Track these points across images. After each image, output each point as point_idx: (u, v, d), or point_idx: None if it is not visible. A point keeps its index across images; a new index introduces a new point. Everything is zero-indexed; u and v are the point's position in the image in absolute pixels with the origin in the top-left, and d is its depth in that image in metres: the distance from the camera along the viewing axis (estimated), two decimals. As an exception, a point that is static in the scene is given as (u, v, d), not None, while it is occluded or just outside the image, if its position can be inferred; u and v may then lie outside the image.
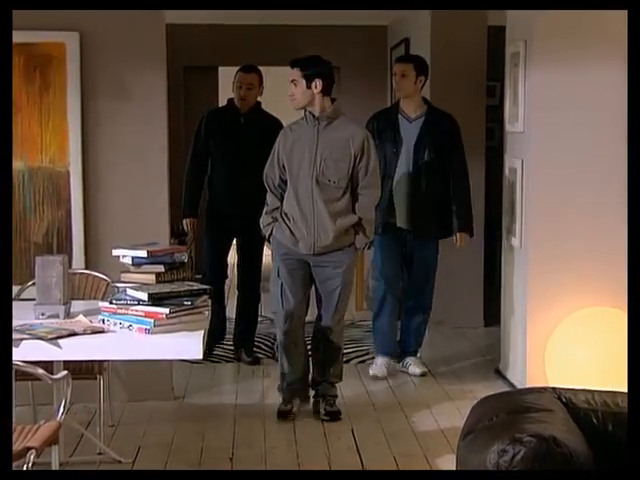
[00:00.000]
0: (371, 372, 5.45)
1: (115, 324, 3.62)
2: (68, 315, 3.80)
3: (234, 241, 5.87)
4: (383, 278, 5.41)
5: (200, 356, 3.50)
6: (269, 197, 4.72)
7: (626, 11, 4.64)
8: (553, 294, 4.92)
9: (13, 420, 3.05)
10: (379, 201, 4.90)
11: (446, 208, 5.33)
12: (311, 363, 4.84)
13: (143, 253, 3.84)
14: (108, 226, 4.93)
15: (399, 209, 5.27)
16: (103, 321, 3.66)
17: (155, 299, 3.60)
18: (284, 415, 4.71)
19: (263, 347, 6.15)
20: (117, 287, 3.84)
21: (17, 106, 4.74)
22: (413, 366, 5.48)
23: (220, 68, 8.98)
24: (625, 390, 2.95)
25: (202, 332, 3.57)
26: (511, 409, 2.73)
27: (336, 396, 4.81)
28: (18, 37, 3.97)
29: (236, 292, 6.06)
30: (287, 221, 4.63)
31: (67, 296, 3.84)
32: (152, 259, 3.84)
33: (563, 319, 4.82)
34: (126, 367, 4.88)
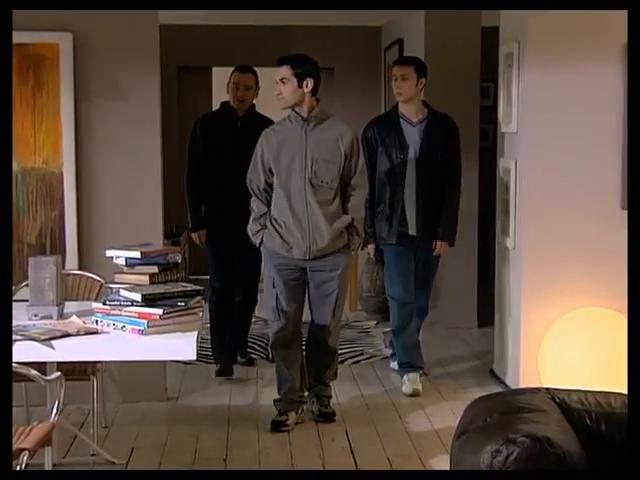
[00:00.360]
0: (408, 390, 5.14)
1: (108, 325, 3.61)
2: (61, 316, 3.80)
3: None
4: (398, 298, 5.23)
5: (194, 357, 3.50)
6: (255, 203, 4.60)
7: (620, 11, 4.67)
8: (547, 295, 4.92)
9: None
10: (391, 210, 4.88)
11: (448, 210, 5.23)
12: (305, 366, 4.79)
13: (137, 254, 3.84)
14: (102, 227, 4.92)
15: (410, 217, 5.12)
16: (96, 322, 3.65)
17: (149, 300, 3.60)
18: (278, 426, 4.59)
19: (257, 348, 6.14)
20: (110, 288, 3.83)
21: (10, 106, 4.73)
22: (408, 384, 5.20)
23: (214, 69, 8.98)
24: (618, 390, 2.96)
25: (196, 333, 3.57)
26: (505, 409, 2.73)
27: (330, 397, 4.79)
28: (11, 37, 3.95)
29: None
30: (277, 227, 4.51)
31: (60, 297, 3.84)
32: (146, 260, 3.84)
33: (557, 320, 4.83)
34: (119, 368, 4.87)
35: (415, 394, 5.12)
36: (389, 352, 5.70)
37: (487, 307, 6.08)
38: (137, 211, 4.95)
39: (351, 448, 4.39)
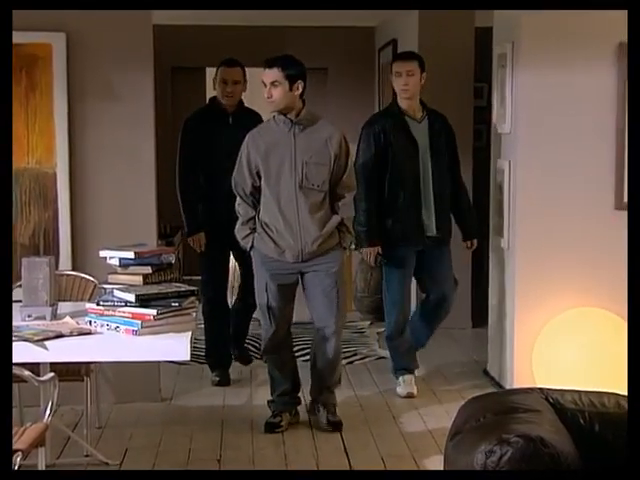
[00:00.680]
0: (402, 392, 5.13)
1: (102, 326, 3.61)
2: (55, 317, 3.79)
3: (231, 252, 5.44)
4: (398, 301, 5.12)
5: (187, 357, 3.50)
6: (241, 207, 4.52)
7: (614, 11, 4.68)
8: (541, 295, 4.93)
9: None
10: (412, 212, 4.85)
11: (462, 209, 5.23)
12: (310, 371, 4.70)
13: (130, 254, 3.83)
14: (95, 227, 4.92)
15: (426, 216, 5.00)
16: (90, 323, 3.64)
17: (142, 300, 3.59)
18: (272, 427, 4.57)
19: (251, 348, 6.13)
20: (104, 288, 3.83)
21: (3, 107, 4.72)
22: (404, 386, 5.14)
23: (208, 69, 8.97)
24: (612, 390, 2.96)
25: (189, 333, 3.56)
26: (499, 410, 2.73)
27: (336, 404, 4.68)
28: (4, 37, 3.94)
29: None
30: (269, 232, 4.45)
31: (54, 298, 3.83)
32: (139, 260, 3.83)
33: (550, 320, 4.83)
34: (113, 369, 4.87)
35: (410, 396, 5.11)
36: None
37: (481, 307, 6.09)
38: (131, 211, 4.94)
39: (345, 449, 4.39)
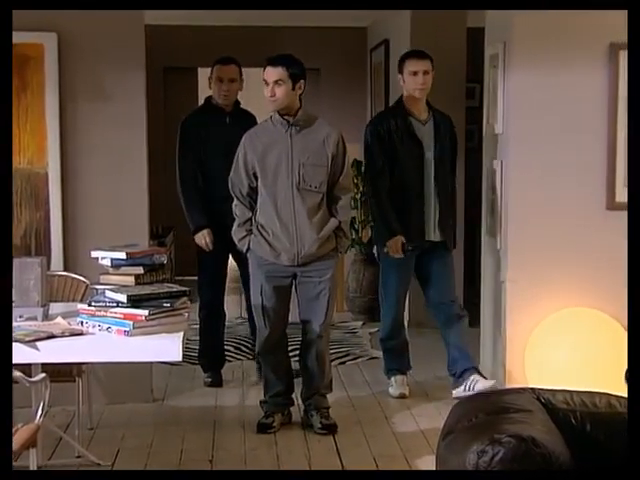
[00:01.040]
0: (394, 392, 5.12)
1: (94, 326, 3.60)
2: (46, 317, 3.78)
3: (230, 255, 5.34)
4: (394, 304, 5.08)
5: (179, 358, 3.49)
6: (238, 208, 4.50)
7: (606, 11, 4.70)
8: (533, 295, 4.93)
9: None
10: (414, 215, 4.80)
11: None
12: (301, 376, 4.72)
13: (122, 255, 3.83)
14: (87, 227, 4.91)
15: (428, 219, 4.94)
16: (82, 323, 3.64)
17: (134, 301, 3.59)
18: (264, 428, 4.56)
19: (243, 349, 6.14)
20: (96, 289, 3.82)
21: (-5, 107, 4.71)
22: (481, 382, 4.88)
23: (200, 69, 8.96)
24: (603, 390, 2.97)
25: (182, 334, 3.56)
26: (490, 410, 2.73)
27: (329, 407, 4.67)
28: (-5, 37, 3.93)
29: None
30: (265, 234, 4.44)
31: (45, 298, 3.82)
32: (131, 261, 3.83)
33: (542, 320, 4.84)
34: (105, 369, 4.86)
35: (402, 397, 5.11)
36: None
37: (473, 308, 6.09)
38: (123, 212, 4.93)
39: (337, 449, 4.39)
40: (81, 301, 4.05)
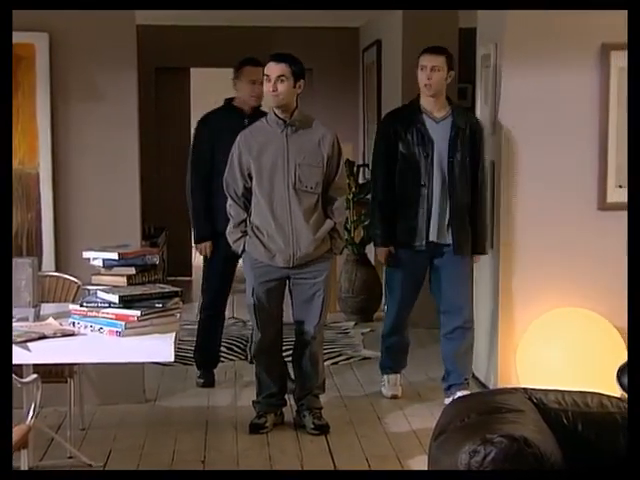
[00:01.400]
0: (387, 393, 5.09)
1: (86, 327, 3.59)
2: (38, 318, 3.77)
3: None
4: (396, 302, 4.96)
5: (172, 358, 3.48)
6: (233, 208, 4.46)
7: (599, 12, 4.71)
8: (524, 295, 4.94)
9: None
10: (416, 213, 4.68)
11: (476, 220, 4.85)
12: (293, 376, 4.72)
13: (114, 255, 3.82)
14: (79, 228, 4.89)
15: (434, 220, 4.74)
16: (73, 324, 3.63)
17: (126, 301, 3.58)
18: (257, 428, 4.56)
19: (235, 349, 6.13)
20: (88, 290, 3.82)
21: (-14, 107, 4.69)
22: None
23: (192, 69, 8.96)
24: (595, 390, 2.98)
25: (174, 334, 3.55)
26: (483, 410, 2.74)
27: (322, 408, 4.66)
28: (-14, 37, 3.92)
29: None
30: (259, 235, 4.40)
31: (37, 299, 3.81)
32: (123, 261, 3.82)
33: (534, 320, 4.85)
34: (97, 370, 4.85)
35: (394, 398, 5.10)
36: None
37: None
38: (114, 212, 4.92)
39: (330, 449, 4.39)
40: (73, 302, 4.03)
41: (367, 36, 8.04)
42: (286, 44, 7.76)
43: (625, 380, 3.08)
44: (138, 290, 3.69)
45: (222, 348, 6.10)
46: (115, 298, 3.58)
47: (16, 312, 3.73)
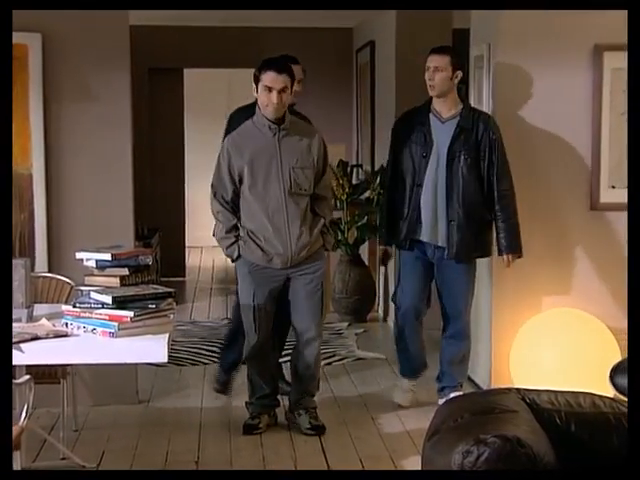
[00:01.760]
0: (395, 398, 4.97)
1: (79, 328, 3.58)
2: (31, 319, 3.76)
3: None
4: (402, 302, 4.86)
5: (165, 359, 3.48)
6: (222, 214, 4.40)
7: (591, 12, 4.72)
8: (517, 296, 4.95)
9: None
10: (407, 212, 4.64)
11: (483, 223, 4.71)
12: (291, 376, 4.68)
13: (107, 256, 3.81)
14: (72, 229, 4.89)
15: (425, 221, 4.68)
16: (66, 325, 3.62)
17: (119, 302, 3.57)
18: (250, 429, 4.55)
19: (229, 350, 6.12)
20: (81, 290, 3.81)
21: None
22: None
23: (185, 70, 8.96)
24: (588, 390, 2.98)
25: (167, 335, 3.55)
26: (476, 410, 2.74)
27: (316, 408, 4.66)
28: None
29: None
30: (256, 240, 4.37)
31: (30, 300, 3.80)
32: (116, 262, 3.82)
33: (527, 320, 4.86)
34: (90, 371, 4.84)
35: (400, 407, 4.94)
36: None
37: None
38: (108, 213, 4.92)
39: (323, 450, 4.39)
40: (66, 302, 4.02)
41: (361, 37, 8.04)
42: (279, 45, 7.76)
43: (618, 380, 3.09)
44: (131, 291, 3.68)
45: (216, 349, 6.11)
46: (108, 299, 3.57)
47: (9, 313, 3.72)
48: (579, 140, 4.94)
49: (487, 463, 2.43)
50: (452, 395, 4.67)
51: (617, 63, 4.81)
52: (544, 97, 4.92)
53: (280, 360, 4.95)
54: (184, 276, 9.08)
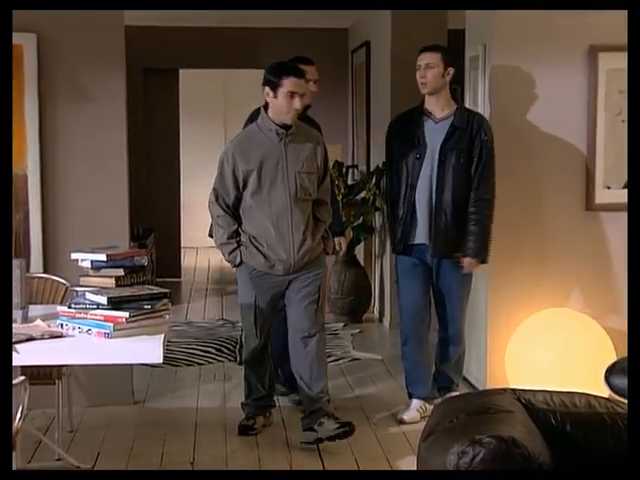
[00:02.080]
0: (400, 416, 4.77)
1: (74, 328, 3.58)
2: (26, 320, 3.75)
3: None
4: (404, 313, 4.80)
5: (160, 360, 3.47)
6: (223, 219, 4.34)
7: (586, 13, 4.73)
8: (513, 296, 4.95)
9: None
10: (401, 215, 4.60)
11: (468, 223, 4.63)
12: (299, 382, 4.48)
13: (102, 257, 3.81)
14: (67, 229, 4.88)
15: (421, 224, 4.63)
16: (61, 325, 3.61)
17: (114, 303, 3.57)
18: (246, 430, 4.54)
19: (224, 350, 6.13)
20: (76, 291, 3.80)
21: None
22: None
23: (181, 70, 8.95)
24: (582, 390, 2.99)
25: (162, 336, 3.54)
26: (471, 410, 2.74)
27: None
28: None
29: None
30: (259, 246, 4.31)
31: (25, 300, 3.79)
32: (112, 263, 3.81)
33: (523, 321, 4.86)
34: (85, 372, 4.84)
35: (401, 422, 4.75)
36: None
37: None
38: (103, 213, 4.91)
39: (319, 451, 4.38)
40: (61, 303, 4.02)
41: (356, 37, 8.04)
42: (274, 45, 7.78)
43: (613, 380, 3.09)
44: (127, 291, 3.68)
45: (211, 349, 6.12)
46: (103, 300, 3.57)
47: (4, 314, 3.72)
48: (574, 140, 4.94)
49: (482, 463, 2.44)
50: (448, 395, 4.67)
51: (612, 64, 4.81)
52: (539, 98, 4.92)
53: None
54: (179, 277, 9.08)
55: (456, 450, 2.47)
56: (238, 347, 6.12)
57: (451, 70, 4.63)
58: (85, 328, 3.55)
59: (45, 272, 4.67)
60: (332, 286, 7.07)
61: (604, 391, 3.19)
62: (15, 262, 3.78)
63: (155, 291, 3.74)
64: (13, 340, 3.44)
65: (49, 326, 3.65)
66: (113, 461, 4.24)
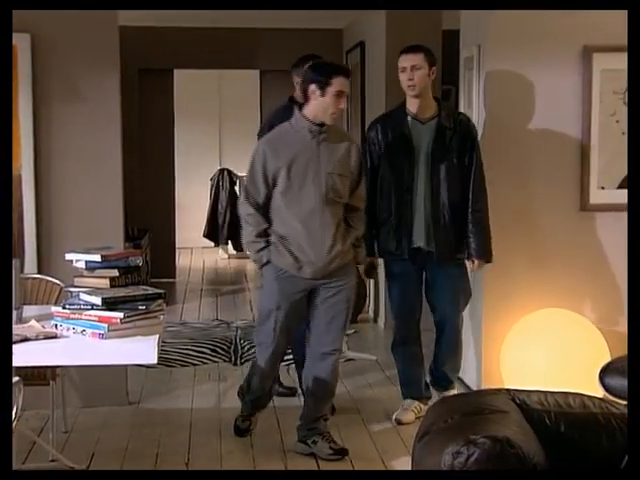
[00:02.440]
0: (394, 416, 4.74)
1: (68, 329, 3.57)
2: (20, 320, 3.75)
3: None
4: (396, 314, 4.80)
5: (155, 361, 3.46)
6: (253, 218, 4.20)
7: (581, 13, 4.73)
8: (508, 296, 4.95)
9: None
10: (399, 221, 4.52)
11: (466, 224, 4.61)
12: (305, 397, 4.43)
13: (97, 257, 3.81)
14: (61, 230, 4.87)
15: (418, 227, 4.58)
16: (56, 326, 3.61)
17: (109, 303, 3.56)
18: (241, 430, 4.52)
19: (219, 351, 6.12)
20: (70, 292, 3.80)
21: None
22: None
23: (175, 71, 8.95)
24: (577, 391, 2.99)
25: (157, 336, 3.54)
26: (466, 411, 2.74)
27: (330, 432, 4.38)
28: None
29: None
30: (288, 245, 4.15)
31: (19, 301, 3.79)
32: (106, 263, 3.81)
33: (518, 321, 4.86)
34: (80, 372, 4.83)
35: (398, 423, 4.73)
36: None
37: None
38: (97, 214, 4.90)
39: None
40: (55, 304, 4.01)
41: (351, 37, 8.05)
42: (269, 45, 7.77)
43: (607, 380, 3.10)
44: (121, 292, 3.68)
45: (206, 350, 6.12)
46: (98, 300, 3.56)
47: (-2, 314, 3.71)
48: (569, 141, 4.95)
49: (477, 463, 2.44)
50: (444, 395, 4.67)
51: (606, 64, 4.82)
52: (533, 98, 4.93)
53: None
54: (174, 277, 9.07)
55: (451, 450, 2.47)
56: (233, 348, 6.12)
57: (434, 70, 4.59)
58: (79, 329, 3.55)
59: (39, 273, 4.66)
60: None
61: (599, 391, 3.20)
62: (9, 263, 3.77)
63: (150, 292, 3.74)
64: (7, 341, 3.43)
65: (43, 327, 3.64)
66: (108, 462, 4.23)
